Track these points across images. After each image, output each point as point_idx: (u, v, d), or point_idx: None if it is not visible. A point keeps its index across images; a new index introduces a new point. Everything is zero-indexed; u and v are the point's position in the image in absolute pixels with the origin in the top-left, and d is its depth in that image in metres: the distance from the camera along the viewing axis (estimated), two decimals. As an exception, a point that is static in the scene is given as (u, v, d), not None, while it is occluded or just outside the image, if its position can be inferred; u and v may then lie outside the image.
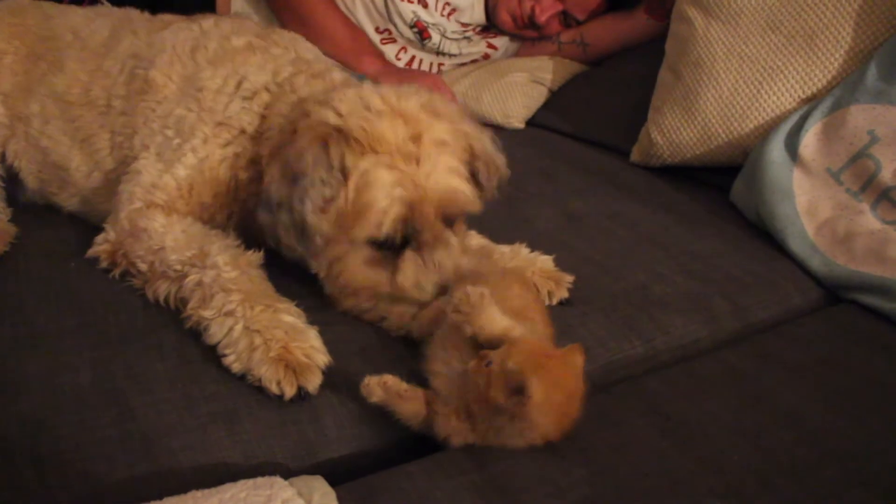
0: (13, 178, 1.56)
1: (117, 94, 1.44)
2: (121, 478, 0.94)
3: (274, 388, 1.04)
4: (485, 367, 0.91)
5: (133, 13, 1.61)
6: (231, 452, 0.99)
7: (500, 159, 1.31)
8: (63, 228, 1.48)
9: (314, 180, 1.13)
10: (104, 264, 1.30)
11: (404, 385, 0.99)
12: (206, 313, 1.12)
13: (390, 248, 1.16)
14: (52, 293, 1.24)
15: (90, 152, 1.46)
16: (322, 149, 1.14)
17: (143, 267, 1.23)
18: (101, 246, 1.30)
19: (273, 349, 1.06)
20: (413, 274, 1.15)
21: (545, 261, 1.34)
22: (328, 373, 1.08)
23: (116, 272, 1.28)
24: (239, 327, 1.09)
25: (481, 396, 0.92)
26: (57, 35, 1.55)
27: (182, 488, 0.89)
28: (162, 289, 1.20)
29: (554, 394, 0.90)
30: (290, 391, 1.04)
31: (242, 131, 1.32)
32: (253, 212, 1.27)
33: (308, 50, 1.51)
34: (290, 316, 1.13)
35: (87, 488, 0.93)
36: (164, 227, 1.26)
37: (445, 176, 1.17)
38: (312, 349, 1.09)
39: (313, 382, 1.05)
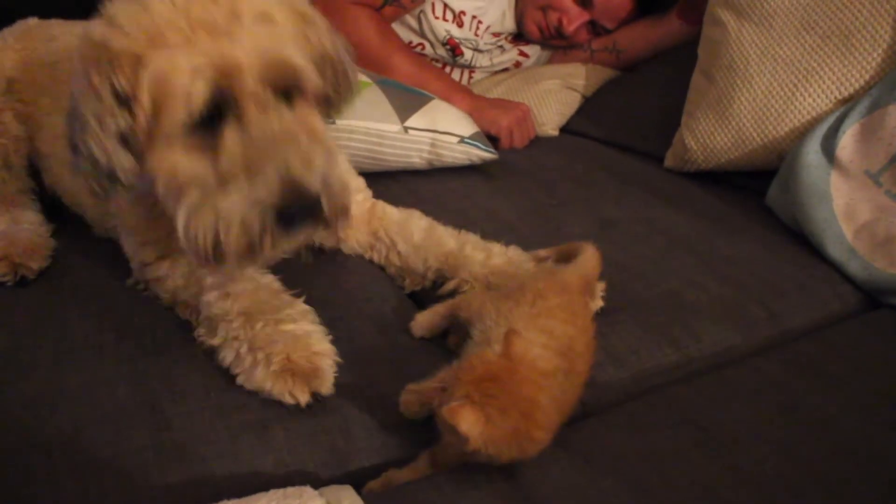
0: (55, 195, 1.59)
1: None
2: (156, 486, 0.96)
3: (288, 399, 1.04)
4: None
5: None
6: (263, 461, 1.00)
7: (353, 73, 1.16)
8: (102, 242, 1.50)
9: (87, 119, 0.98)
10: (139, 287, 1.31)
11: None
12: (215, 342, 1.12)
13: (208, 131, 0.99)
14: (92, 307, 1.27)
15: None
16: (86, 81, 0.98)
17: (167, 299, 1.26)
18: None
19: (274, 363, 1.05)
20: (237, 149, 0.97)
21: None
22: (357, 384, 1.10)
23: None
24: (244, 348, 1.08)
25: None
26: (56, 62, 1.46)
27: (215, 496, 0.91)
28: (180, 310, 1.22)
29: (505, 422, 0.87)
30: (304, 399, 1.04)
31: None
32: None
33: None
34: (290, 324, 1.10)
35: (124, 497, 0.95)
36: (168, 269, 1.24)
37: (269, 43, 0.99)
38: (315, 354, 1.07)
39: (325, 385, 1.05)
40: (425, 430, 0.99)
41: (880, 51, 1.55)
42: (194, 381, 1.10)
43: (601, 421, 1.07)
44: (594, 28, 2.31)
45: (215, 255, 1.01)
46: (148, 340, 1.19)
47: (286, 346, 1.06)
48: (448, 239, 1.35)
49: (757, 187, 1.69)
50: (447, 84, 2.08)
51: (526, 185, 1.81)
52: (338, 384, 1.09)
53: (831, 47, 1.60)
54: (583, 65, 2.32)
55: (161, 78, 0.96)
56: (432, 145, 1.79)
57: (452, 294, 1.30)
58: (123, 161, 1.01)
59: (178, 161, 1.00)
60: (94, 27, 1.00)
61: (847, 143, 1.49)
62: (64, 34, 1.53)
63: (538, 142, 2.14)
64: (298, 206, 0.97)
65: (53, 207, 1.58)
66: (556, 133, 2.22)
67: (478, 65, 2.38)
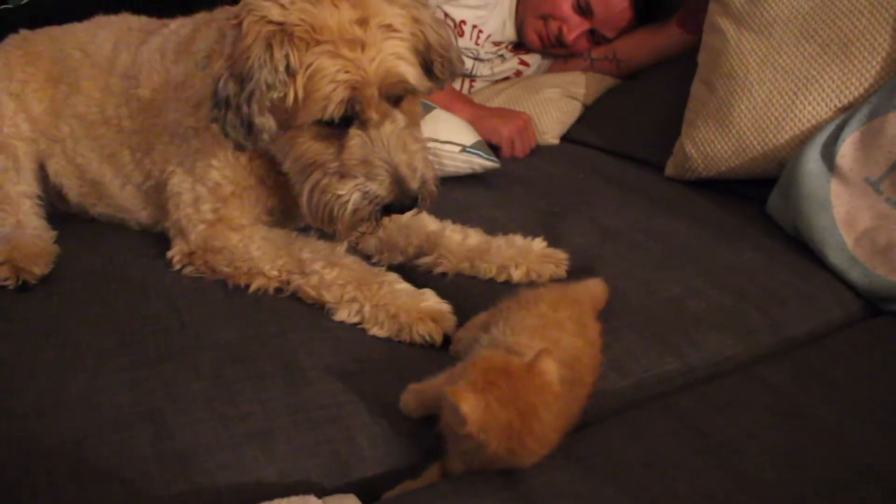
0: (58, 194, 1.62)
1: (124, 114, 1.50)
2: (158, 496, 0.96)
3: (427, 339, 1.23)
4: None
5: (130, 20, 1.64)
6: (266, 471, 1.00)
7: (455, 51, 1.35)
8: (104, 249, 1.51)
9: (260, 83, 1.17)
10: (177, 266, 1.40)
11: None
12: (328, 295, 1.28)
13: (336, 126, 1.21)
14: (93, 314, 1.28)
15: (118, 167, 1.53)
16: (267, 50, 1.17)
17: (227, 270, 1.35)
18: (176, 255, 1.41)
19: (411, 312, 1.24)
20: (359, 149, 1.21)
21: (539, 243, 1.44)
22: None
23: (189, 271, 1.39)
24: (368, 307, 1.26)
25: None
26: (67, 55, 1.59)
27: (217, 507, 0.91)
28: (256, 282, 1.34)
29: (501, 412, 0.87)
30: (439, 338, 1.23)
31: None
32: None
33: None
34: (401, 284, 1.30)
35: (127, 506, 0.96)
36: (242, 240, 1.36)
37: (390, 60, 1.20)
38: (437, 303, 1.28)
39: (451, 326, 1.25)
40: (430, 438, 0.99)
41: (879, 59, 1.56)
42: (196, 390, 1.10)
43: (603, 428, 1.07)
44: (594, 37, 2.31)
45: (328, 224, 1.26)
46: (150, 348, 1.19)
47: (412, 300, 1.26)
48: (431, 223, 1.51)
49: (757, 195, 1.69)
50: (448, 93, 2.08)
51: (527, 194, 1.81)
52: (341, 394, 1.09)
53: (830, 56, 1.60)
54: (583, 73, 2.33)
55: (313, 74, 1.17)
56: (434, 155, 1.79)
57: (430, 268, 1.46)
58: (271, 125, 1.22)
59: (309, 145, 1.24)
60: (266, 6, 1.19)
61: (847, 150, 1.49)
62: (65, 33, 1.65)
63: (539, 150, 2.15)
64: (401, 203, 1.22)
65: (56, 216, 1.60)
66: (556, 142, 2.22)
67: (478, 74, 2.38)
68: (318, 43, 1.17)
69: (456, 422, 0.87)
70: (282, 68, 1.17)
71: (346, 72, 1.16)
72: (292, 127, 1.23)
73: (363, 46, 1.18)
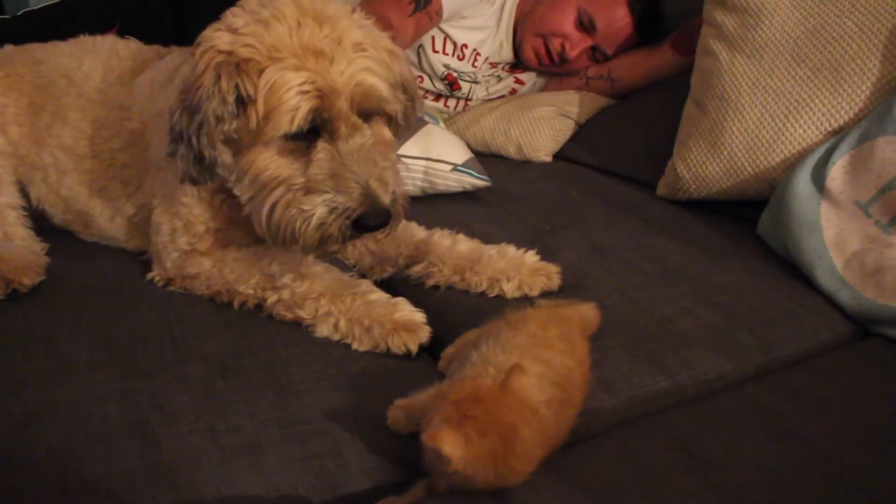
0: (41, 216, 1.60)
1: (116, 146, 1.48)
2: (145, 508, 0.96)
3: (402, 350, 1.22)
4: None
5: (119, 45, 1.61)
6: (254, 485, 1.00)
7: (420, 101, 1.35)
8: (96, 261, 1.51)
9: (208, 115, 1.15)
10: (159, 285, 1.40)
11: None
12: (303, 313, 1.26)
13: (303, 140, 1.18)
14: (84, 325, 1.28)
15: (109, 200, 1.51)
16: (216, 81, 1.15)
17: (207, 293, 1.35)
18: (156, 276, 1.41)
19: (385, 324, 1.22)
20: (327, 163, 1.17)
21: (532, 256, 1.44)
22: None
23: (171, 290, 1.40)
24: (343, 321, 1.24)
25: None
26: (51, 82, 1.56)
27: (205, 520, 0.90)
28: (237, 300, 1.33)
29: (482, 442, 0.86)
30: (415, 348, 1.23)
31: None
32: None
33: None
34: (374, 294, 1.28)
35: (113, 518, 0.95)
36: (215, 265, 1.35)
37: (362, 73, 1.18)
38: (410, 313, 1.26)
39: (424, 336, 1.25)
40: (418, 453, 0.98)
41: (869, 83, 1.57)
42: (186, 402, 1.10)
43: (593, 447, 1.07)
44: (594, 53, 2.33)
45: (289, 242, 1.21)
46: (139, 359, 1.19)
47: (385, 310, 1.24)
48: (420, 231, 1.52)
49: (748, 216, 1.70)
50: None
51: (519, 211, 1.82)
52: (330, 408, 1.09)
53: (821, 79, 1.62)
54: (577, 92, 2.35)
55: (274, 89, 1.14)
56: (425, 173, 1.80)
57: (421, 279, 1.46)
58: (226, 157, 1.20)
59: (272, 161, 1.19)
60: (218, 35, 1.18)
61: (837, 174, 1.50)
62: (49, 56, 1.61)
63: (532, 167, 2.16)
64: (373, 216, 1.17)
65: (47, 228, 1.59)
66: (549, 159, 2.23)
67: (474, 97, 2.39)
68: (276, 60, 1.15)
69: (441, 463, 0.86)
70: (231, 99, 1.15)
71: (312, 82, 1.14)
72: (257, 145, 1.19)
73: (331, 60, 1.16)
